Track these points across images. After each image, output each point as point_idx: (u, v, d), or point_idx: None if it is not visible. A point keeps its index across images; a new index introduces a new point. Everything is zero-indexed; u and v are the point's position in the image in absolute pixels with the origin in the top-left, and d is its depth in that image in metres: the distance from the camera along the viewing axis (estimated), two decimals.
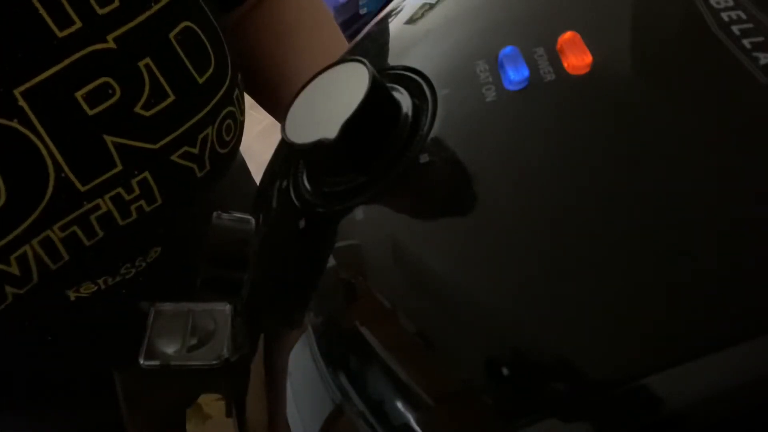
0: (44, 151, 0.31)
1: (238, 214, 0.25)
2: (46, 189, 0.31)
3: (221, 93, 0.36)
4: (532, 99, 0.19)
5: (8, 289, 0.32)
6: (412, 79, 0.22)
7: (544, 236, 0.17)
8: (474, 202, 0.19)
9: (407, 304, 0.18)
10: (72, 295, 0.36)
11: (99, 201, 0.33)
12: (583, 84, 0.19)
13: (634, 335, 0.16)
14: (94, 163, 0.32)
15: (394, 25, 0.26)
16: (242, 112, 0.40)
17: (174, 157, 0.35)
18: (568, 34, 0.20)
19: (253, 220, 0.25)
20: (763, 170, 0.17)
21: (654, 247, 0.16)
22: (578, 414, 0.16)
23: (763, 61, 0.18)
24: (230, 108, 0.37)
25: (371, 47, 0.27)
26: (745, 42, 0.18)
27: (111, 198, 0.33)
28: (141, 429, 0.30)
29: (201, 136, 0.36)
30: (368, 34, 0.28)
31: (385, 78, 0.22)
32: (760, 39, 0.18)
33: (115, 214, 0.34)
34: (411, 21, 0.25)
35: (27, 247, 0.32)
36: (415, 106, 0.21)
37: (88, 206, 0.33)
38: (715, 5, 0.19)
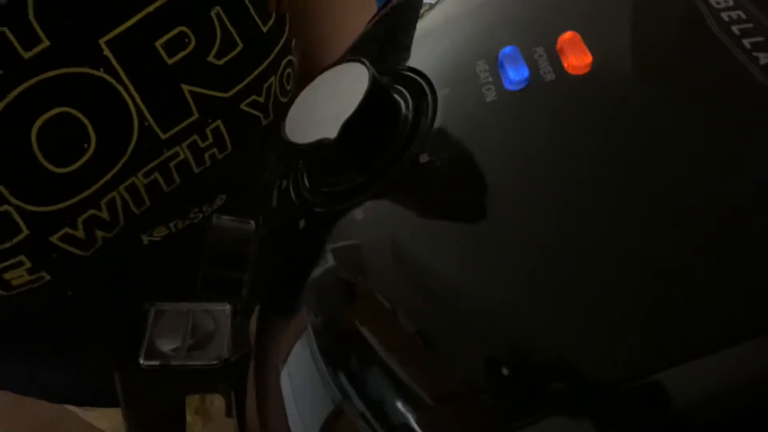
0: (129, 100, 0.32)
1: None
2: (131, 137, 0.33)
3: (282, 42, 0.38)
4: (532, 99, 0.19)
5: (98, 233, 0.34)
6: (412, 79, 0.22)
7: (544, 236, 0.17)
8: (474, 202, 0.19)
9: (407, 303, 0.18)
10: (145, 239, 0.37)
11: (177, 149, 0.35)
12: (583, 84, 0.19)
13: (635, 335, 0.16)
14: (173, 111, 0.34)
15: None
16: (298, 61, 0.41)
17: (243, 106, 0.36)
18: (568, 34, 0.20)
19: (253, 221, 0.25)
20: (764, 170, 0.17)
21: (655, 246, 0.16)
22: (579, 414, 0.15)
23: (763, 61, 0.18)
24: (290, 57, 0.39)
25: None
26: (745, 42, 0.18)
27: (188, 146, 0.35)
28: (141, 429, 0.30)
29: (266, 84, 0.37)
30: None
31: (385, 78, 0.22)
32: (760, 39, 0.18)
33: (191, 161, 0.36)
34: None
35: (115, 193, 0.33)
36: (415, 106, 0.21)
37: (168, 153, 0.34)
38: (715, 5, 0.19)
